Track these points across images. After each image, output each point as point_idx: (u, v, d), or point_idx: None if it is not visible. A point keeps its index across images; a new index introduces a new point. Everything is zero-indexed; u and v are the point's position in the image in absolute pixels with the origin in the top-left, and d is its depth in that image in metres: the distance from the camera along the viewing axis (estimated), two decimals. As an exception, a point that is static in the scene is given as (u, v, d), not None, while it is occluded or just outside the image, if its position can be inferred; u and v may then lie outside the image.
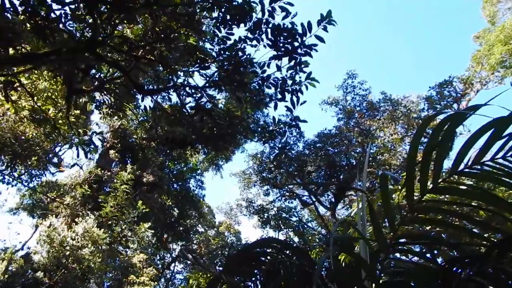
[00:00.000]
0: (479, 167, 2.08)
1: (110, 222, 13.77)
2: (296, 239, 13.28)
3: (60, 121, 8.53)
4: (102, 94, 9.14)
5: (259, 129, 8.48)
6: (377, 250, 2.22)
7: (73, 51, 6.06)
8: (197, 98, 7.82)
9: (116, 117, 11.22)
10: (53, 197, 13.56)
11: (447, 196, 3.04)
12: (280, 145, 12.91)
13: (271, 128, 8.01)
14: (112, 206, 13.83)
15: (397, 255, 2.55)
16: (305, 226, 16.77)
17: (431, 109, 15.85)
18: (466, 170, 2.08)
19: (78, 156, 8.67)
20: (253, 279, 2.57)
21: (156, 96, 9.14)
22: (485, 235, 2.20)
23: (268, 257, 2.50)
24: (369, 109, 17.76)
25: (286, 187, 17.57)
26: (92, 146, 8.15)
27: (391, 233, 2.23)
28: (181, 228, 18.23)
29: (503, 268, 1.73)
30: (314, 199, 17.42)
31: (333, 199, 16.76)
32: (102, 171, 14.24)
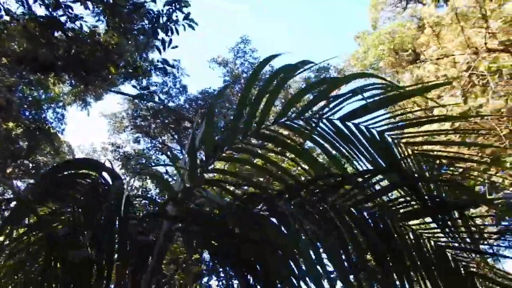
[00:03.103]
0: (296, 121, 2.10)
1: None
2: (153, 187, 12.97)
3: None
4: None
5: (124, 62, 7.70)
6: (191, 181, 2.09)
7: None
8: (51, 8, 6.65)
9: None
10: None
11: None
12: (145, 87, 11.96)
13: (136, 64, 7.34)
14: None
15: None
16: (172, 178, 16.59)
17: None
18: (283, 121, 2.08)
19: None
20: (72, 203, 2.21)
21: None
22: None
23: (88, 180, 2.17)
24: (255, 77, 18.05)
25: (160, 138, 16.98)
26: None
27: (207, 167, 2.11)
28: (30, 164, 16.22)
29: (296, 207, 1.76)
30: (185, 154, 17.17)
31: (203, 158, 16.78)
32: None
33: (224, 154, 2.16)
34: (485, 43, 7.83)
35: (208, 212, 2.02)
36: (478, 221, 2.22)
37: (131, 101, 16.59)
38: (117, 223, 1.88)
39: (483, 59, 7.75)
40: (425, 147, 2.22)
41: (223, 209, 1.88)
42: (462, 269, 1.95)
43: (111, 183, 2.13)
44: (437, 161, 2.15)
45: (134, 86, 10.46)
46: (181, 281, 11.39)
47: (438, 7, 11.25)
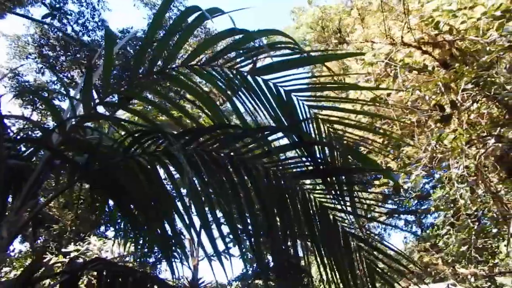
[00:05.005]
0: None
1: None
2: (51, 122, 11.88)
3: None
4: None
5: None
6: (84, 111, 1.91)
7: None
8: None
9: None
10: None
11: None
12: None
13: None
14: None
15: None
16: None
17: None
18: (192, 65, 1.97)
19: None
20: None
21: None
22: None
23: None
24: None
25: (68, 73, 15.49)
26: None
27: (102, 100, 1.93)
28: None
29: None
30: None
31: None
32: None
33: (123, 89, 1.99)
34: (402, 37, 8.33)
35: (96, 145, 1.87)
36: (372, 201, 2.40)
37: (39, 26, 14.73)
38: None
39: (397, 51, 8.25)
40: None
41: (112, 144, 1.75)
42: (340, 228, 2.11)
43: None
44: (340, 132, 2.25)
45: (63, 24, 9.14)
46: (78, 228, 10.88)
47: (370, -6, 11.61)
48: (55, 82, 15.42)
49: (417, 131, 8.41)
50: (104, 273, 1.61)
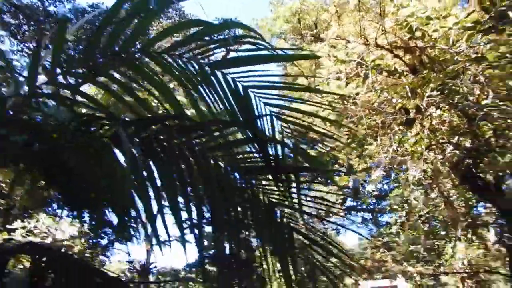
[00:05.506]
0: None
1: None
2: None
3: None
4: None
5: None
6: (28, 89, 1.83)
7: None
8: None
9: None
10: None
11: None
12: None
13: None
14: None
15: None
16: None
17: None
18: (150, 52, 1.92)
19: None
20: None
21: None
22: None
23: None
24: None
25: (30, 44, 14.73)
26: None
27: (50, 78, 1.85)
28: None
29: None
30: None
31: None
32: None
33: (77, 71, 1.92)
34: (376, 39, 8.42)
35: (41, 125, 1.80)
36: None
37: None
38: None
39: (370, 52, 8.35)
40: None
41: (59, 125, 1.70)
42: (285, 225, 2.15)
43: None
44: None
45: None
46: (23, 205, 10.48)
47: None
48: (15, 52, 14.61)
49: (380, 132, 8.61)
50: (38, 257, 1.58)
